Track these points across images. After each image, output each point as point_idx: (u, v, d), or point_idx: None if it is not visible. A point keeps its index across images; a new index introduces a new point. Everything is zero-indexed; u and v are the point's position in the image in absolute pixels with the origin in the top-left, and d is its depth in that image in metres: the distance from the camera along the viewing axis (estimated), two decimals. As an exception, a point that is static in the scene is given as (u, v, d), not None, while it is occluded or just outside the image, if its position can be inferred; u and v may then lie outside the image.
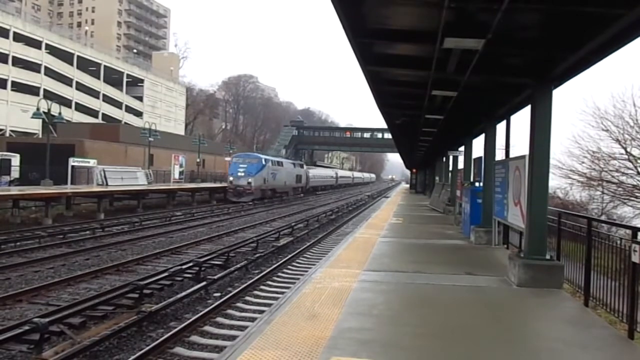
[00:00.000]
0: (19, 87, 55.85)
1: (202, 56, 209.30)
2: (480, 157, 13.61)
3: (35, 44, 58.48)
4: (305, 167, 58.41)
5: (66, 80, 62.55)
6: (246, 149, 77.23)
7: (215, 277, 11.27)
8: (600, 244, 6.63)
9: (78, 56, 64.77)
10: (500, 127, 12.90)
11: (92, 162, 31.61)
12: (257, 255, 14.46)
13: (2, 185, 29.12)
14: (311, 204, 41.36)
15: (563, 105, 19.76)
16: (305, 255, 15.53)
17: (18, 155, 32.72)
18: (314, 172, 64.21)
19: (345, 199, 48.98)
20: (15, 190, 23.48)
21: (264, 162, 40.67)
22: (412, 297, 7.22)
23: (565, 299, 7.21)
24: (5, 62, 54.61)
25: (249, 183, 38.18)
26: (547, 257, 7.82)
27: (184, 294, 9.74)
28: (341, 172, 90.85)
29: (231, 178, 38.93)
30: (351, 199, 49.44)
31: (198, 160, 45.95)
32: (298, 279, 10.27)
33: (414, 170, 57.95)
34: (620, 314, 5.88)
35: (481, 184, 13.38)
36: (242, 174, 38.51)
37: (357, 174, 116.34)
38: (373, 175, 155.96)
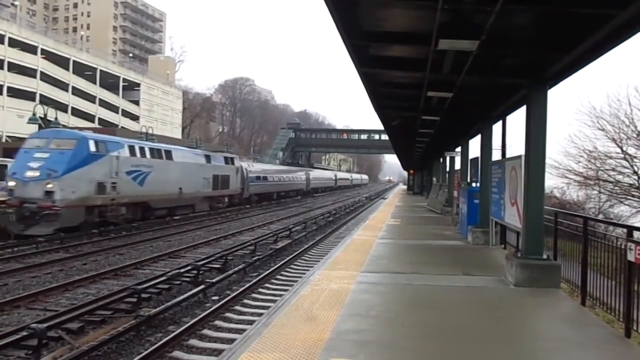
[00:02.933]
0: (14, 92, 55.68)
1: (198, 59, 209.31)
2: (477, 158, 13.67)
3: (30, 49, 58.30)
4: (239, 162, 36.78)
5: (62, 85, 62.39)
6: (244, 152, 77.20)
7: (214, 280, 11.25)
8: (596, 243, 6.66)
9: (74, 61, 64.60)
10: (497, 128, 12.98)
11: (88, 167, 31.39)
12: (255, 258, 14.44)
13: (-2, 191, 28.92)
14: (309, 206, 41.31)
15: (559, 105, 19.93)
16: (303, 257, 15.52)
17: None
18: (260, 170, 42.97)
19: (342, 201, 48.93)
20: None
21: (92, 148, 20.19)
22: (410, 298, 7.24)
23: (562, 298, 7.23)
24: (1, 67, 54.42)
25: (49, 193, 18.09)
26: (544, 256, 7.86)
27: (182, 297, 9.73)
28: (316, 173, 70.64)
29: (12, 183, 18.67)
30: (348, 201, 49.40)
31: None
32: (296, 281, 10.27)
33: (412, 172, 57.98)
34: (618, 312, 5.90)
35: (478, 184, 13.43)
36: (36, 173, 18.50)
37: (342, 175, 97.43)
38: (365, 177, 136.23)
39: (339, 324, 5.70)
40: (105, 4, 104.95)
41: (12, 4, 75.30)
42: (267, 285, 11.66)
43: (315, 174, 68.37)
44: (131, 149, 22.63)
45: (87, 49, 72.95)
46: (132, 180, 22.11)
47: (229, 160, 34.19)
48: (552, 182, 22.55)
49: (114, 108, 71.77)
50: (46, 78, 60.01)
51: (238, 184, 35.31)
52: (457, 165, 19.94)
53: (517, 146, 16.51)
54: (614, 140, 20.47)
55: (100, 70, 69.28)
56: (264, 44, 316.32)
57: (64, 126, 27.18)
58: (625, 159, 20.41)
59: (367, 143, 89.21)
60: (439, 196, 25.49)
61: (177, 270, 11.72)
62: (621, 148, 20.37)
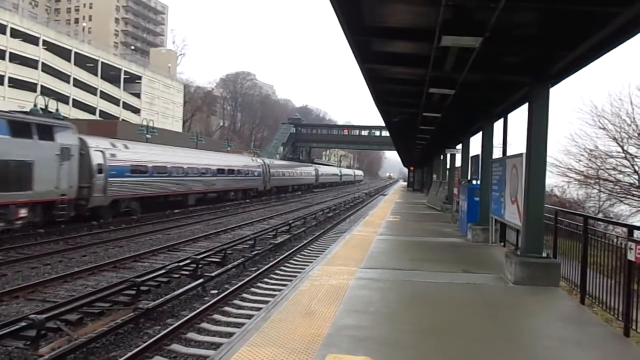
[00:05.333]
0: (16, 83, 55.63)
1: (200, 53, 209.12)
2: (478, 156, 13.64)
3: (32, 40, 58.21)
4: (75, 137, 19.58)
5: (64, 77, 62.31)
6: (244, 147, 77.11)
7: (213, 274, 11.27)
8: (596, 242, 6.66)
9: (76, 53, 64.51)
10: (498, 126, 12.94)
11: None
12: (255, 252, 14.45)
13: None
14: (309, 202, 41.31)
15: (561, 104, 19.85)
16: (302, 253, 15.53)
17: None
18: (141, 158, 24.89)
19: (342, 197, 48.90)
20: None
21: None
22: (409, 295, 7.23)
23: (561, 297, 7.23)
24: (3, 58, 54.35)
25: None
26: (544, 255, 7.85)
27: (181, 291, 9.74)
28: (279, 167, 50.46)
29: None
30: (349, 197, 49.35)
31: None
32: (295, 276, 10.27)
33: (412, 169, 57.92)
34: (617, 312, 5.90)
35: (479, 182, 13.40)
36: None
37: (327, 170, 78.81)
38: (360, 173, 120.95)
39: (338, 319, 5.70)
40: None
41: (14, -5, 75.09)
42: (266, 280, 11.67)
43: (277, 167, 49.19)
44: None
45: (89, 41, 72.80)
46: None
47: (32, 131, 17.11)
48: (552, 180, 22.54)
49: (115, 101, 71.71)
50: (48, 69, 59.94)
51: (63, 179, 18.36)
52: (458, 163, 19.92)
53: (518, 144, 16.51)
54: (615, 139, 20.45)
55: (102, 63, 69.21)
56: (266, 38, 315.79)
57: (65, 118, 27.06)
58: (626, 158, 20.38)
59: (368, 139, 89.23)
60: (439, 193, 25.47)
61: (177, 264, 11.71)
62: (622, 147, 20.35)
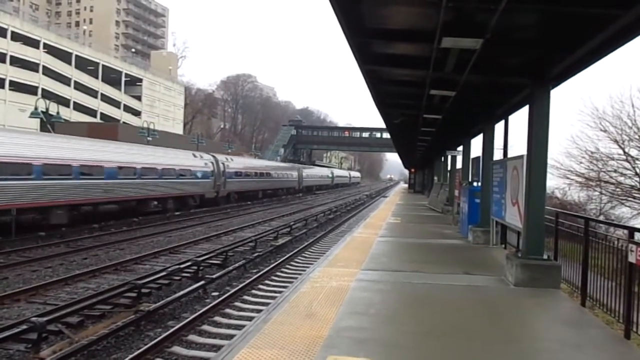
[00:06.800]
0: (17, 86, 55.67)
1: (200, 55, 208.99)
2: (479, 157, 13.64)
3: (33, 43, 58.30)
4: None
5: (64, 80, 62.37)
6: (245, 149, 77.18)
7: (214, 276, 11.27)
8: (597, 244, 6.65)
9: (76, 55, 64.59)
10: (499, 127, 12.94)
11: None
12: (256, 254, 14.45)
13: None
14: (310, 204, 41.27)
15: (561, 106, 19.84)
16: (303, 254, 15.52)
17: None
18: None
19: (343, 199, 48.88)
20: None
21: None
22: (409, 297, 7.23)
23: (562, 299, 7.23)
24: (3, 61, 54.44)
25: None
26: (545, 257, 7.85)
27: (182, 293, 9.74)
28: (239, 165, 37.68)
29: None
30: (350, 198, 49.33)
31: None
32: (296, 278, 10.27)
33: (413, 170, 57.97)
34: (617, 314, 5.89)
35: (479, 183, 13.40)
36: None
37: (313, 171, 65.66)
38: (356, 174, 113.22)
39: (338, 321, 5.70)
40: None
41: (15, -2, 75.29)
42: (266, 281, 11.66)
43: (239, 167, 37.35)
44: None
45: (90, 44, 72.93)
46: None
47: None
48: (553, 182, 22.53)
49: (115, 103, 71.78)
50: (48, 72, 60.02)
51: None
52: (459, 165, 19.91)
53: (518, 146, 16.48)
54: (616, 141, 20.44)
55: (103, 65, 69.30)
56: (266, 40, 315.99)
57: (66, 121, 27.09)
58: (627, 160, 20.37)
59: (369, 141, 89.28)
60: (440, 195, 25.47)
61: (177, 266, 11.70)
62: (623, 150, 20.34)
